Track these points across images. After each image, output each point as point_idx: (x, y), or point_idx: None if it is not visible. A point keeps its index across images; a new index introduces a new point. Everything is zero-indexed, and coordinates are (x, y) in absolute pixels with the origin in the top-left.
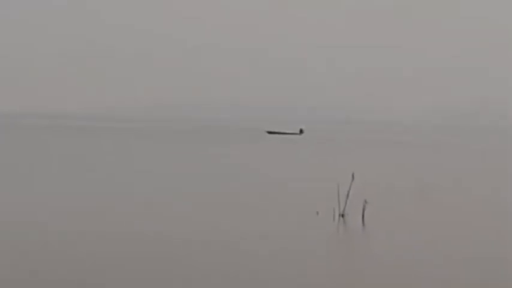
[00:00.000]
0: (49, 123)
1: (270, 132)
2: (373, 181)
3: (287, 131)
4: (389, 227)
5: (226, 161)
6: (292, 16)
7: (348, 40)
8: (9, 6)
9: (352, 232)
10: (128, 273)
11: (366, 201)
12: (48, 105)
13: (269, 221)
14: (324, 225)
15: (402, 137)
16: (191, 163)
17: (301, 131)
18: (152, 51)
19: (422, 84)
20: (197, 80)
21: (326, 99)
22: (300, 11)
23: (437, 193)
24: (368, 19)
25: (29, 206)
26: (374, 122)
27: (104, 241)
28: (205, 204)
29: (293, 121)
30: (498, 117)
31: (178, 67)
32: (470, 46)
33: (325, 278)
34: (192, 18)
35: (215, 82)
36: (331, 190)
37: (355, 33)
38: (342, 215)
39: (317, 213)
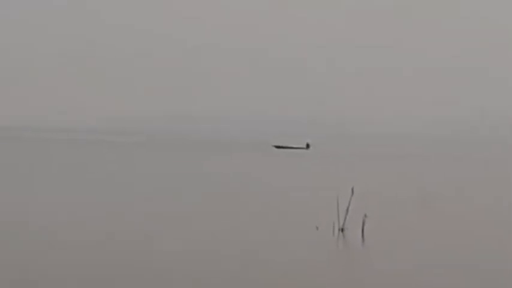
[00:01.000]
0: (50, 136)
1: (277, 147)
2: (374, 195)
3: (294, 146)
4: (390, 242)
5: (231, 175)
6: (298, 24)
7: (350, 48)
8: (9, 6)
9: (352, 247)
10: (127, 282)
11: (365, 216)
12: (48, 117)
13: (269, 236)
14: (324, 239)
15: (404, 149)
16: (195, 176)
17: (307, 146)
18: (155, 59)
19: (423, 95)
20: (203, 91)
21: (330, 112)
22: (304, 18)
23: (438, 206)
24: (373, 28)
25: (27, 214)
26: (378, 135)
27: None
28: (206, 217)
29: (298, 135)
30: (499, 125)
31: (181, 77)
32: (472, 55)
33: None
34: (197, 26)
35: (222, 93)
36: (333, 204)
37: (359, 40)
38: (342, 230)
39: (317, 228)
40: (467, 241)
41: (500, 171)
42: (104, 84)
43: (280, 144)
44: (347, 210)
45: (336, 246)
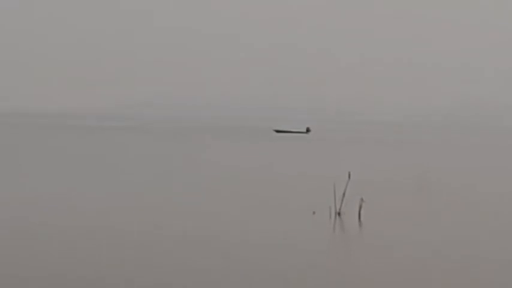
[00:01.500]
0: (43, 122)
1: (277, 131)
2: (371, 179)
3: (294, 130)
4: (386, 226)
5: (229, 159)
6: (298, 10)
7: (349, 37)
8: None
9: (348, 231)
10: (127, 272)
11: (362, 200)
12: (42, 103)
13: (266, 220)
14: (321, 223)
15: (401, 136)
16: (194, 160)
17: (307, 130)
18: (156, 47)
19: (420, 83)
20: (202, 77)
21: (330, 98)
22: (303, 9)
23: (434, 191)
24: (371, 15)
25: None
26: (376, 122)
27: (110, 245)
28: (203, 201)
29: (297, 120)
30: (494, 113)
31: (183, 64)
32: (468, 45)
33: (322, 276)
34: (198, 11)
35: (220, 79)
36: (330, 188)
37: (357, 31)
38: (339, 214)
39: (313, 212)
40: (463, 225)
41: (496, 157)
42: (104, 81)
43: (281, 129)
44: (344, 194)
45: (333, 230)
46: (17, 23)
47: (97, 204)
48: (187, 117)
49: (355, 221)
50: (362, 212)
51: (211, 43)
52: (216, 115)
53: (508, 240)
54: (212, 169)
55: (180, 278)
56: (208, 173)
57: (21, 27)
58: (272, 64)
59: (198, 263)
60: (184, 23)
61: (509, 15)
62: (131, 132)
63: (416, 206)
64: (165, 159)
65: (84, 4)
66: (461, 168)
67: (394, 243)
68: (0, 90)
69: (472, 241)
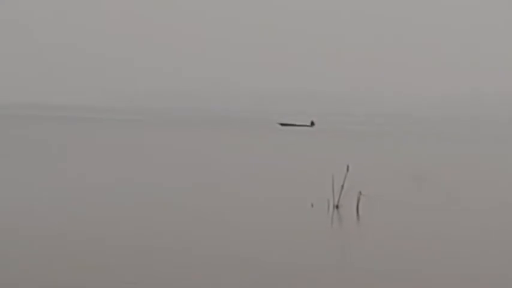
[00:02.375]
0: (55, 114)
1: (282, 124)
2: (369, 172)
3: (299, 123)
4: (384, 219)
5: (230, 152)
6: (300, 7)
7: (356, 30)
8: None
9: (346, 224)
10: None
11: (360, 193)
12: (50, 95)
13: (264, 212)
14: (318, 216)
15: (399, 128)
16: (199, 151)
17: (312, 123)
18: (164, 40)
19: (420, 75)
20: (208, 71)
21: (331, 90)
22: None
23: (432, 184)
24: (372, 8)
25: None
26: (380, 114)
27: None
28: (203, 193)
29: (303, 113)
30: (492, 104)
31: (189, 57)
32: (478, 39)
33: (319, 269)
34: (201, 11)
35: (227, 72)
36: (329, 181)
37: (365, 24)
38: (337, 207)
39: (312, 205)
40: (461, 218)
41: (494, 148)
42: (108, 74)
43: (286, 122)
44: (342, 187)
45: (331, 223)
46: (17, 22)
47: (98, 193)
48: (190, 109)
49: (353, 214)
50: (360, 205)
51: (216, 31)
52: (219, 109)
53: (504, 230)
54: (214, 162)
55: (179, 270)
56: (210, 166)
57: (21, 27)
58: (277, 56)
59: (196, 254)
60: (184, 25)
61: None
62: (131, 125)
63: (415, 199)
64: (167, 152)
65: (84, 4)
66: (460, 161)
67: (392, 237)
68: (1, 88)
69: (469, 234)
